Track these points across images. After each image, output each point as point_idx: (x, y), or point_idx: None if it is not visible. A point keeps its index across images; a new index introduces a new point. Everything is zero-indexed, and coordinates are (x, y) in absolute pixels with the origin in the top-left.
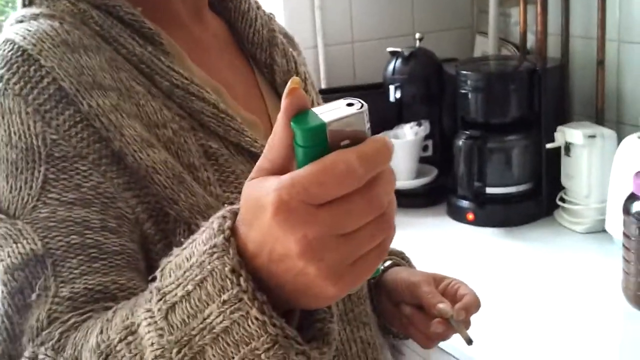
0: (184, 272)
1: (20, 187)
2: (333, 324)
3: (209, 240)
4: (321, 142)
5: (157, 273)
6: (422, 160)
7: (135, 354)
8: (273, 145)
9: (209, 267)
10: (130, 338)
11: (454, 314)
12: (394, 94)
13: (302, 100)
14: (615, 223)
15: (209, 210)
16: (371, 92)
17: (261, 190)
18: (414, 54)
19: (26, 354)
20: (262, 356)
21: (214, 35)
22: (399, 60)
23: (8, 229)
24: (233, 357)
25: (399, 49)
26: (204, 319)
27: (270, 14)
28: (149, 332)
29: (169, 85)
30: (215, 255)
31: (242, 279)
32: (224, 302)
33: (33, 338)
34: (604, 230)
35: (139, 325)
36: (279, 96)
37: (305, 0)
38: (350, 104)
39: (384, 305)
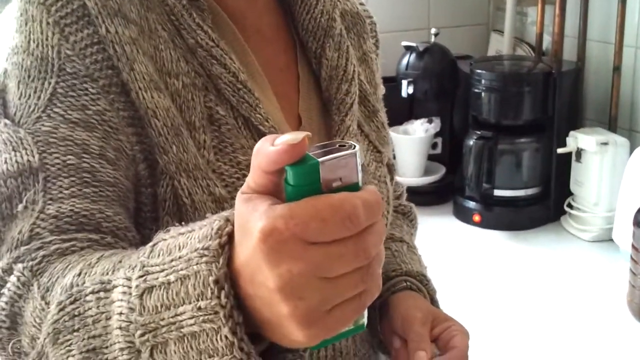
0: (172, 259)
1: (29, 95)
2: (304, 359)
3: (203, 239)
4: (314, 182)
5: (148, 247)
6: (431, 157)
7: (102, 312)
8: (259, 171)
9: (195, 267)
10: (102, 294)
11: None
12: (406, 89)
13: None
14: (622, 233)
15: (195, 171)
16: (383, 86)
17: (253, 213)
18: (428, 50)
19: (0, 264)
20: None
21: (257, 29)
22: (413, 55)
23: (10, 135)
24: None
25: (413, 44)
26: (176, 314)
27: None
28: (121, 300)
29: (194, 42)
30: (204, 259)
31: (223, 293)
32: (200, 308)
33: (11, 249)
34: (611, 240)
35: (114, 287)
36: (320, 91)
37: None
38: (342, 145)
39: (385, 327)
